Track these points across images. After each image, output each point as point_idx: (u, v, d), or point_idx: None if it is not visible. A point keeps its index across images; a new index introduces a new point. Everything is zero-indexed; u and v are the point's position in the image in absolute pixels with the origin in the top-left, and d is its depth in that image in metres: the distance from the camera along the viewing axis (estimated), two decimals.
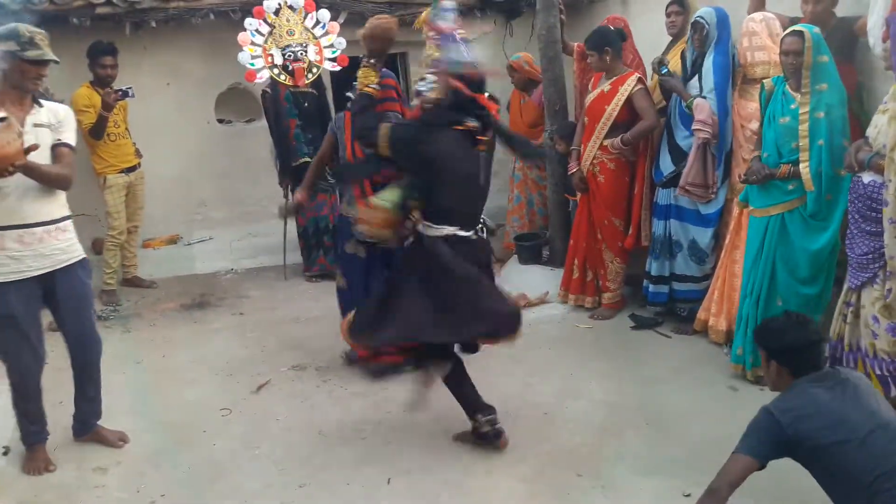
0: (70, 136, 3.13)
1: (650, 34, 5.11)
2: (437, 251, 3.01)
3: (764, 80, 3.73)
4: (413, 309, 3.02)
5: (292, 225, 5.86)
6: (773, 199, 3.61)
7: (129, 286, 5.80)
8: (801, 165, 3.44)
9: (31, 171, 2.87)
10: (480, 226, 3.19)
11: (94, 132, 5.21)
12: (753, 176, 3.64)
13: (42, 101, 3.09)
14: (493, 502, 2.96)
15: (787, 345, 2.39)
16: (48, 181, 3.00)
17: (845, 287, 3.28)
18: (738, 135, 4.11)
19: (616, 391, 3.81)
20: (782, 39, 3.49)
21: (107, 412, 3.51)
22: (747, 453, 2.26)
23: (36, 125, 3.01)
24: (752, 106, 3.97)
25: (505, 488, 3.02)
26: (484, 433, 3.26)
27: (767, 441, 2.26)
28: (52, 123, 3.06)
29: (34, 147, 2.79)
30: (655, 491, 2.95)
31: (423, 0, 6.29)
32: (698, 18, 4.20)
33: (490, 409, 3.27)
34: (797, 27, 3.44)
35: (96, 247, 5.96)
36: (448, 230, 3.03)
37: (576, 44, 5.29)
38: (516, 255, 5.76)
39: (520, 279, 5.44)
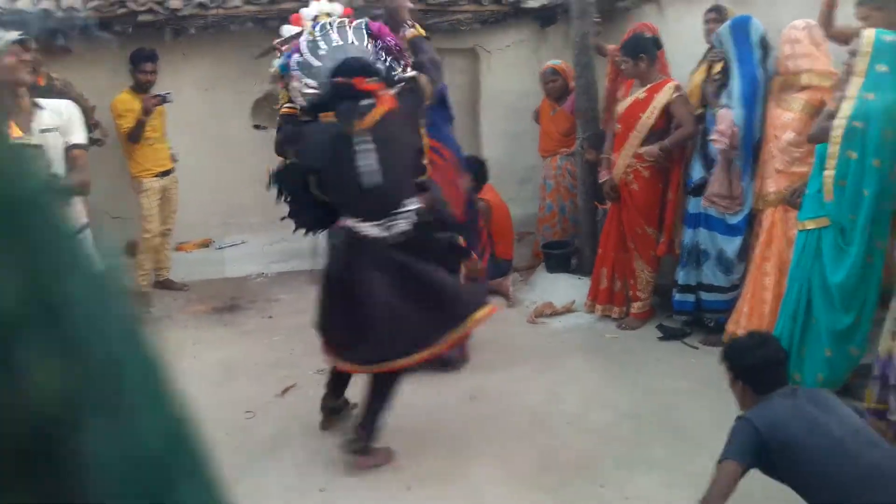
0: (80, 135, 2.99)
1: (687, 41, 5.04)
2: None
3: None
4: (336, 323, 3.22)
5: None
6: (811, 212, 3.44)
7: (162, 289, 5.88)
8: (826, 172, 3.26)
9: None
10: (405, 216, 3.12)
11: (132, 136, 5.31)
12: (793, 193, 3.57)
13: (41, 102, 2.94)
14: None
15: (750, 364, 2.42)
16: (75, 195, 2.87)
17: (893, 304, 3.06)
18: (772, 146, 3.95)
19: (642, 402, 3.75)
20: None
21: None
22: (731, 458, 2.27)
23: (43, 130, 2.88)
24: (788, 116, 3.84)
25: (528, 499, 2.99)
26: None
27: (749, 446, 2.26)
28: (58, 125, 2.92)
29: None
30: None
31: (456, 8, 6.37)
32: (713, 37, 4.25)
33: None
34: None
35: (130, 249, 6.07)
36: (348, 222, 3.14)
37: (610, 46, 5.25)
38: (544, 263, 5.73)
39: (547, 287, 5.42)
